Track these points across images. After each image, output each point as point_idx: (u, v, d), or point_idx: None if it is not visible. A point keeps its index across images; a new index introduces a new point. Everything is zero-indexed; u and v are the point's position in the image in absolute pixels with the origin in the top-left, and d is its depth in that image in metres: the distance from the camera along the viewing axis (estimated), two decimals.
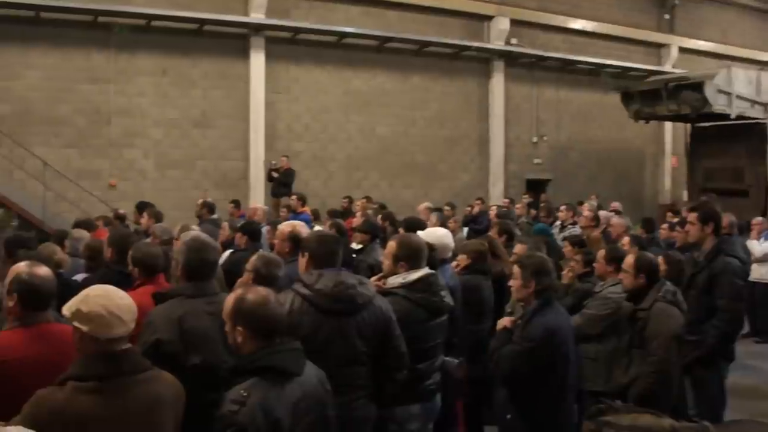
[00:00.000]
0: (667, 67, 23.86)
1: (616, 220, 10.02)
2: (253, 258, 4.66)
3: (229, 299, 3.19)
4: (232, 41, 17.79)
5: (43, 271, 3.60)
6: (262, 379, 2.99)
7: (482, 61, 21.29)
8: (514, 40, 21.26)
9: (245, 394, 2.91)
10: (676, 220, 10.77)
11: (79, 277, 5.97)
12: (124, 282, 4.98)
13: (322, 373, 3.31)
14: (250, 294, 3.16)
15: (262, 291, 3.22)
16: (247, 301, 3.12)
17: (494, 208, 13.59)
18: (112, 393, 2.77)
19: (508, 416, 4.50)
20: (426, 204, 11.46)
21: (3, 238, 6.90)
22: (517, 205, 15.00)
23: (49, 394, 2.75)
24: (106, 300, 2.86)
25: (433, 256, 5.10)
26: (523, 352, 4.35)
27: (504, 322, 4.66)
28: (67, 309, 2.89)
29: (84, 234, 7.29)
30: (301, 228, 5.94)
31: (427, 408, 4.57)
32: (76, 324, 2.83)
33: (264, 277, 4.38)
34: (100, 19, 16.34)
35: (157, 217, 8.96)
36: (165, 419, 2.92)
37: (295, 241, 5.69)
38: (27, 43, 15.98)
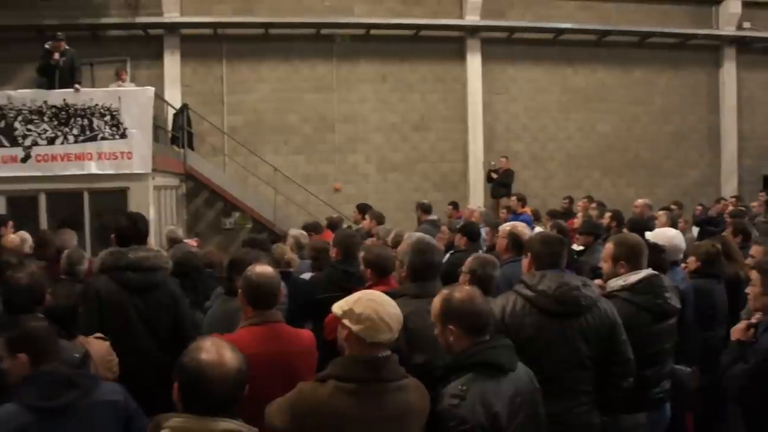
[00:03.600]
0: None
1: None
2: (470, 259, 4.66)
3: (436, 301, 3.25)
4: (449, 44, 17.97)
5: (269, 271, 3.79)
6: (478, 375, 3.03)
7: (711, 49, 19.86)
8: (746, 24, 19.66)
9: (464, 388, 2.97)
10: None
11: (306, 275, 6.27)
12: (348, 281, 5.18)
13: (530, 371, 3.28)
14: (456, 293, 3.21)
15: (467, 288, 3.27)
16: (454, 300, 3.17)
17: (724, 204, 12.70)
18: (370, 397, 2.86)
19: None
20: (644, 200, 10.88)
21: (241, 240, 7.41)
22: (753, 204, 13.90)
23: (312, 389, 2.90)
24: (378, 306, 2.95)
25: (663, 258, 4.85)
26: (753, 371, 3.91)
27: (737, 333, 4.19)
28: (338, 307, 3.01)
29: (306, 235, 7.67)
30: (523, 229, 5.88)
31: (654, 418, 4.36)
32: (345, 322, 2.94)
33: (480, 277, 4.37)
34: (323, 31, 17.24)
35: (379, 219, 9.21)
36: (413, 428, 2.98)
37: (515, 241, 5.65)
38: (257, 59, 17.26)
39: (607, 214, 9.38)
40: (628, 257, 4.33)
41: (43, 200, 11.43)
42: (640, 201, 10.88)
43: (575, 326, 3.79)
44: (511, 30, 18.05)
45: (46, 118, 11.37)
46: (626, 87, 19.13)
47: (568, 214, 12.71)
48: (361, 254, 5.10)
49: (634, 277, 4.29)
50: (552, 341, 3.75)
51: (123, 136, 11.43)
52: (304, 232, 7.82)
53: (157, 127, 13.24)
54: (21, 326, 3.26)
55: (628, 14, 18.81)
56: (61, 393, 3.08)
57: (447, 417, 2.94)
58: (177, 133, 15.24)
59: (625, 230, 7.96)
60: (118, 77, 14.38)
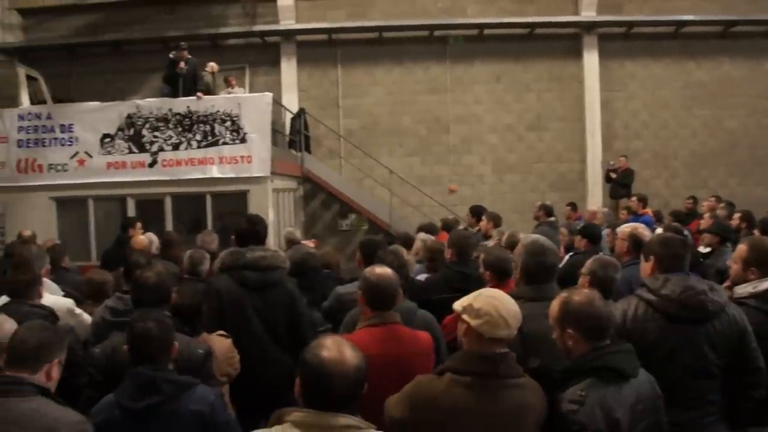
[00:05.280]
0: None
1: None
2: (590, 261, 4.59)
3: (555, 304, 3.20)
4: (564, 42, 17.66)
5: (388, 272, 3.83)
6: (598, 380, 2.97)
7: None
8: None
9: (583, 393, 2.92)
10: None
11: (422, 277, 6.27)
12: (464, 282, 5.15)
13: (652, 377, 3.19)
14: (575, 296, 3.16)
15: (586, 291, 3.23)
16: (573, 303, 3.12)
17: None
18: (486, 392, 2.89)
19: None
20: None
21: (358, 241, 7.48)
22: None
23: (429, 382, 2.98)
24: (498, 302, 3.00)
25: None
26: None
27: None
28: (458, 304, 3.07)
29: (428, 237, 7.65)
30: (643, 230, 5.71)
31: None
32: (465, 317, 3.00)
33: (600, 279, 4.28)
34: (436, 32, 17.32)
35: (496, 221, 9.12)
36: (529, 426, 2.96)
37: (635, 242, 5.49)
38: (372, 62, 17.54)
39: (737, 215, 8.91)
40: (760, 263, 4.12)
41: (168, 203, 11.94)
42: None
43: (701, 332, 3.62)
44: (630, 24, 17.54)
45: (171, 125, 11.87)
46: (755, 80, 18.14)
47: (691, 214, 12.28)
48: (481, 256, 5.07)
49: (765, 284, 4.07)
50: (676, 347, 3.60)
51: (243, 140, 11.77)
52: (432, 237, 7.83)
53: (276, 131, 13.57)
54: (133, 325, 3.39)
55: (757, 3, 17.84)
56: (143, 396, 3.20)
57: (565, 422, 2.91)
58: (294, 137, 15.58)
59: (756, 232, 7.59)
60: (228, 84, 14.92)
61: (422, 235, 7.75)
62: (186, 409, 3.25)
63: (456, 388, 2.89)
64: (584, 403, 2.90)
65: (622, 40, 17.73)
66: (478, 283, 4.75)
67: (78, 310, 5.25)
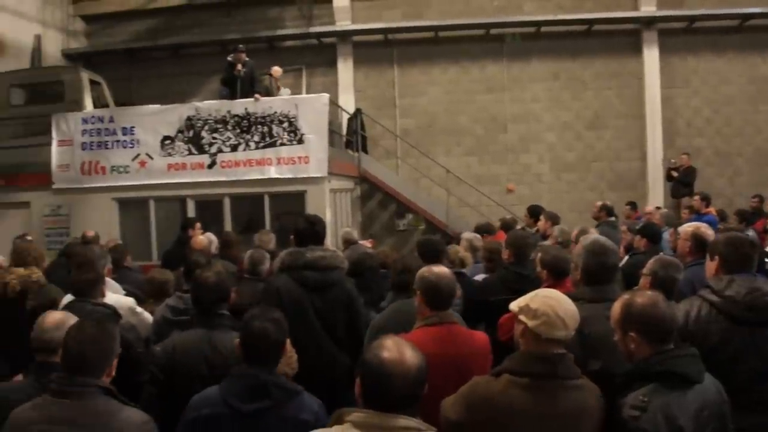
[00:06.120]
0: None
1: None
2: (651, 261, 4.52)
3: (616, 306, 3.13)
4: (623, 38, 17.40)
5: (446, 272, 3.83)
6: (661, 385, 2.89)
7: None
8: None
9: (645, 399, 2.85)
10: None
11: (479, 277, 6.24)
12: (521, 283, 5.10)
13: (718, 382, 3.08)
14: (637, 298, 3.08)
15: (649, 293, 3.14)
16: (635, 306, 3.04)
17: None
18: (543, 393, 2.86)
19: None
20: None
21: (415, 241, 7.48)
22: None
23: (485, 382, 2.97)
24: (555, 302, 2.98)
25: None
26: None
27: None
28: (515, 304, 3.06)
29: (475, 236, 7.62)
30: (706, 230, 5.59)
31: None
32: (521, 318, 2.99)
33: (662, 280, 4.21)
34: (493, 31, 17.26)
35: (554, 220, 9.02)
36: (588, 430, 2.93)
37: (698, 242, 5.38)
38: (428, 62, 17.58)
39: None
40: None
41: (227, 203, 12.11)
42: None
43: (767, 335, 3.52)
44: (691, 19, 17.15)
45: (229, 127, 12.03)
46: None
47: (757, 213, 11.95)
48: (538, 255, 5.01)
49: None
50: (740, 350, 3.50)
51: (300, 141, 11.87)
52: (478, 235, 7.79)
53: (332, 132, 13.65)
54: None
55: None
56: (253, 399, 3.21)
57: (627, 429, 2.84)
58: (351, 137, 15.64)
59: None
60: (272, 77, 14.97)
61: (467, 234, 7.71)
62: (292, 417, 3.25)
63: (513, 389, 2.87)
64: (647, 410, 2.82)
65: (683, 35, 17.36)
66: (536, 285, 4.67)
67: (139, 309, 5.35)
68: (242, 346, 3.36)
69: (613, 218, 10.23)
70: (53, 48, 17.47)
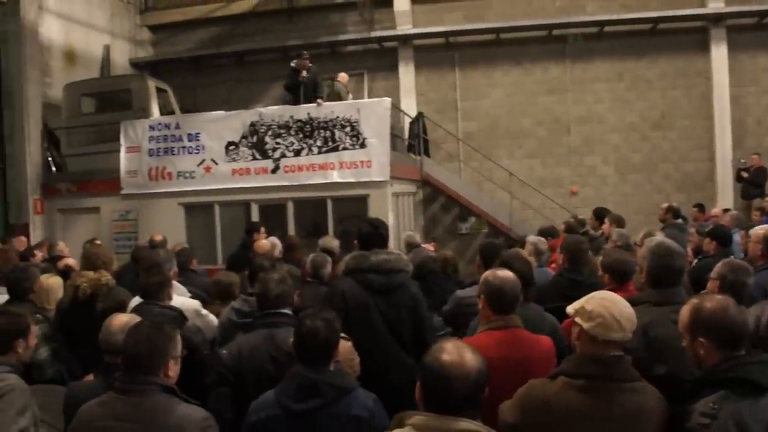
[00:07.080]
0: None
1: None
2: (719, 264, 4.42)
3: (684, 311, 3.05)
4: (690, 36, 16.99)
5: (510, 275, 3.81)
6: (732, 393, 2.80)
7: None
8: None
9: (715, 407, 2.77)
10: None
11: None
12: (575, 289, 5.03)
13: None
14: (707, 302, 3.00)
15: (719, 297, 3.06)
16: (705, 310, 2.96)
17: None
18: (600, 395, 2.85)
19: None
20: None
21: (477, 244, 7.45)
22: None
23: (542, 385, 2.98)
24: (611, 304, 2.97)
25: None
26: None
27: None
28: (571, 307, 3.07)
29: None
30: None
31: None
32: (577, 320, 2.99)
33: (731, 283, 4.11)
34: (555, 32, 17.07)
35: (619, 222, 8.88)
36: (648, 431, 2.88)
37: None
38: (489, 64, 17.51)
39: None
40: None
41: (290, 208, 12.26)
42: None
43: None
44: (762, 15, 16.61)
45: (292, 132, 12.17)
46: None
47: None
48: (599, 259, 4.94)
49: None
50: None
51: (362, 145, 11.93)
52: (542, 238, 7.71)
53: (395, 136, 13.67)
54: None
55: None
56: (305, 398, 3.26)
57: None
58: (413, 141, 15.64)
59: None
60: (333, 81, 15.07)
61: (532, 238, 7.64)
62: (346, 414, 3.29)
63: (569, 391, 2.87)
64: (717, 417, 2.73)
65: (753, 32, 16.83)
66: (590, 292, 4.64)
67: (204, 311, 5.45)
68: (295, 346, 3.42)
69: (680, 220, 10.03)
70: (121, 57, 17.96)
